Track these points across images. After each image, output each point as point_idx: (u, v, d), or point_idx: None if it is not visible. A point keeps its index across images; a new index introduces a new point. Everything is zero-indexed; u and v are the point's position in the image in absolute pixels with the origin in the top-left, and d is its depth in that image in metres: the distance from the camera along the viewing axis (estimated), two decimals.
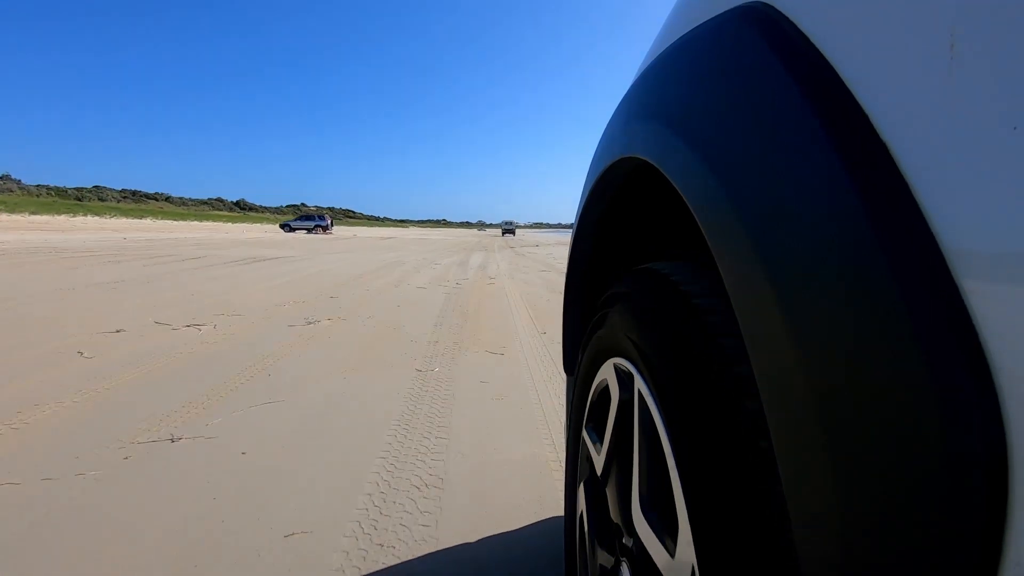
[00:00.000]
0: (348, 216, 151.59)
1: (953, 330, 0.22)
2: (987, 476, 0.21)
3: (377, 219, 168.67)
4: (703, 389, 0.42)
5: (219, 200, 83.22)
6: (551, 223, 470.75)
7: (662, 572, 0.47)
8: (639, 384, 0.54)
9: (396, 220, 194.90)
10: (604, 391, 0.69)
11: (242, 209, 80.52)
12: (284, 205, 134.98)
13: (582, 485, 0.78)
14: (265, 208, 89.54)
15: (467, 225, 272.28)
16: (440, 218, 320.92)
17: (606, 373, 0.68)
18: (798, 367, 0.29)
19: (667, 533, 0.46)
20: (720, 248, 0.37)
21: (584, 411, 0.79)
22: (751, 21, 0.39)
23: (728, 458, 0.38)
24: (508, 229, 52.49)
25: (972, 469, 0.21)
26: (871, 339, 0.25)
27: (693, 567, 0.40)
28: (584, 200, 0.81)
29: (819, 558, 0.28)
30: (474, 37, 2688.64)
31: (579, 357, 0.82)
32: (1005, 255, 0.21)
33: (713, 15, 0.46)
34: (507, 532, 1.39)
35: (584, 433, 0.78)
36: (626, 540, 0.58)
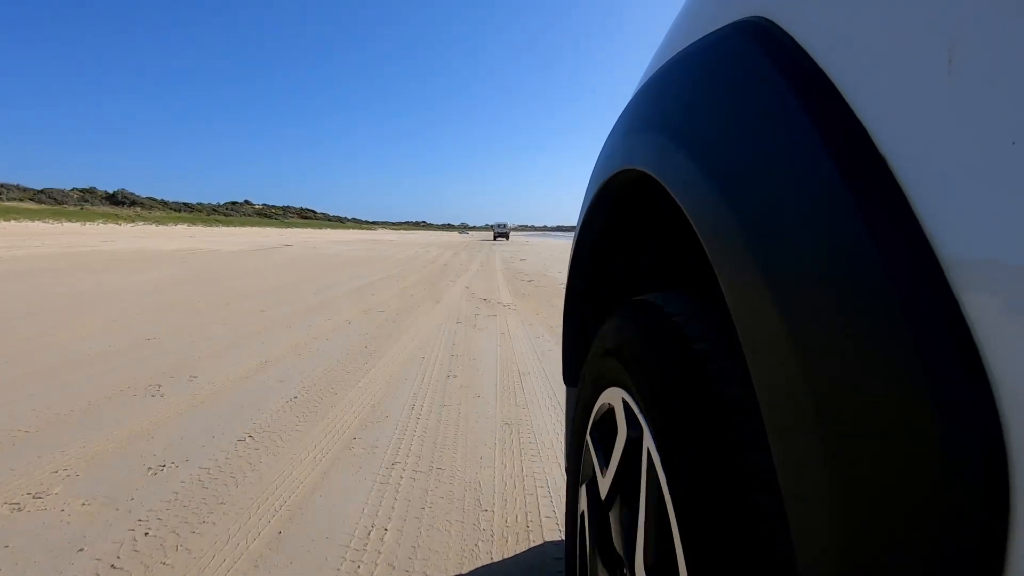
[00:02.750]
0: (303, 216, 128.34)
1: (950, 337, 0.22)
2: (986, 481, 0.21)
3: (341, 220, 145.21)
4: (696, 424, 0.41)
5: (87, 191, 60.26)
6: (536, 226, 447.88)
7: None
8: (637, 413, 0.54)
9: (367, 222, 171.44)
10: (606, 416, 0.68)
11: (116, 203, 57.44)
12: (222, 202, 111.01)
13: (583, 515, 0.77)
14: (165, 204, 66.50)
15: (449, 227, 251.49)
16: (420, 220, 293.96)
17: (606, 400, 0.66)
18: (797, 375, 0.29)
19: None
20: (719, 258, 0.37)
21: (586, 429, 0.78)
22: (750, 35, 0.39)
23: (723, 492, 0.38)
24: (501, 232, 43.56)
25: (971, 474, 0.21)
26: (869, 347, 0.25)
27: None
28: (585, 211, 0.82)
29: (819, 564, 0.28)
30: (456, 29, 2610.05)
31: (580, 380, 0.82)
32: (1001, 263, 0.21)
33: (713, 29, 0.47)
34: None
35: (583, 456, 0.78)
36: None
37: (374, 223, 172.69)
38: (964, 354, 0.22)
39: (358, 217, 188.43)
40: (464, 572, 1.24)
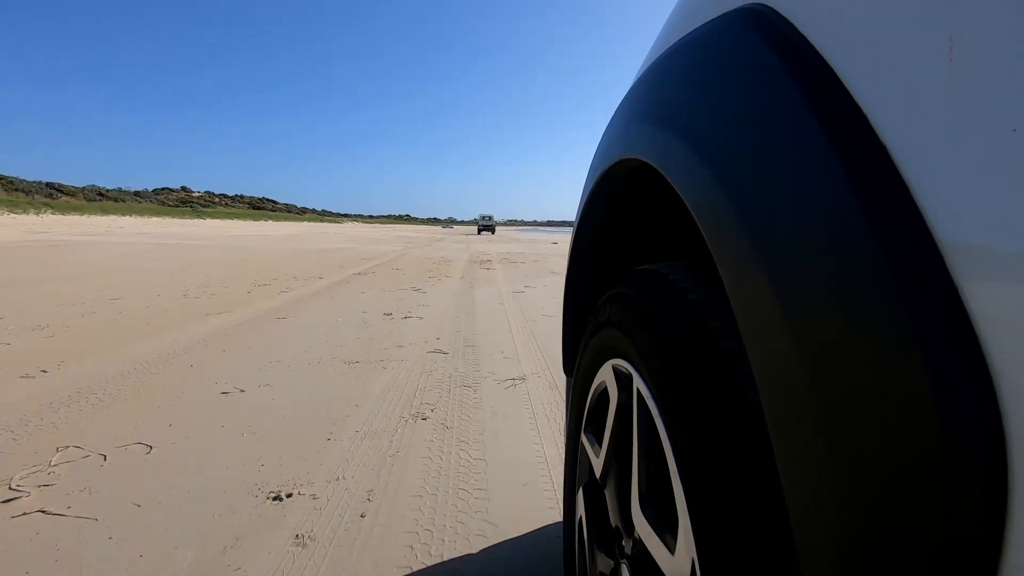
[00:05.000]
0: (255, 207, 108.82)
1: (951, 330, 0.22)
2: (986, 475, 0.21)
3: (300, 212, 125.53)
4: (703, 390, 0.41)
5: None
6: (526, 220, 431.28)
7: (663, 571, 0.46)
8: (638, 385, 0.54)
9: (335, 214, 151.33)
10: (603, 393, 0.70)
11: None
12: (152, 188, 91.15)
13: (581, 490, 0.78)
14: (11, 184, 47.22)
15: (434, 222, 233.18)
16: (403, 214, 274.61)
17: (605, 375, 0.67)
18: (797, 366, 0.29)
19: (667, 530, 0.46)
20: (719, 248, 0.36)
21: (583, 414, 0.79)
22: (751, 23, 0.39)
23: (728, 454, 0.38)
24: (486, 225, 40.82)
25: (971, 469, 0.21)
26: (869, 339, 0.25)
27: (694, 562, 0.40)
28: (584, 200, 0.81)
29: (818, 556, 0.28)
30: (443, 15, 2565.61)
31: (578, 358, 0.81)
32: (1003, 255, 0.21)
33: (713, 16, 0.46)
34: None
35: (583, 437, 0.78)
36: (625, 543, 0.59)
37: (344, 216, 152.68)
38: (964, 344, 0.22)
39: (330, 209, 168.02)
40: None
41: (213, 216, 59.76)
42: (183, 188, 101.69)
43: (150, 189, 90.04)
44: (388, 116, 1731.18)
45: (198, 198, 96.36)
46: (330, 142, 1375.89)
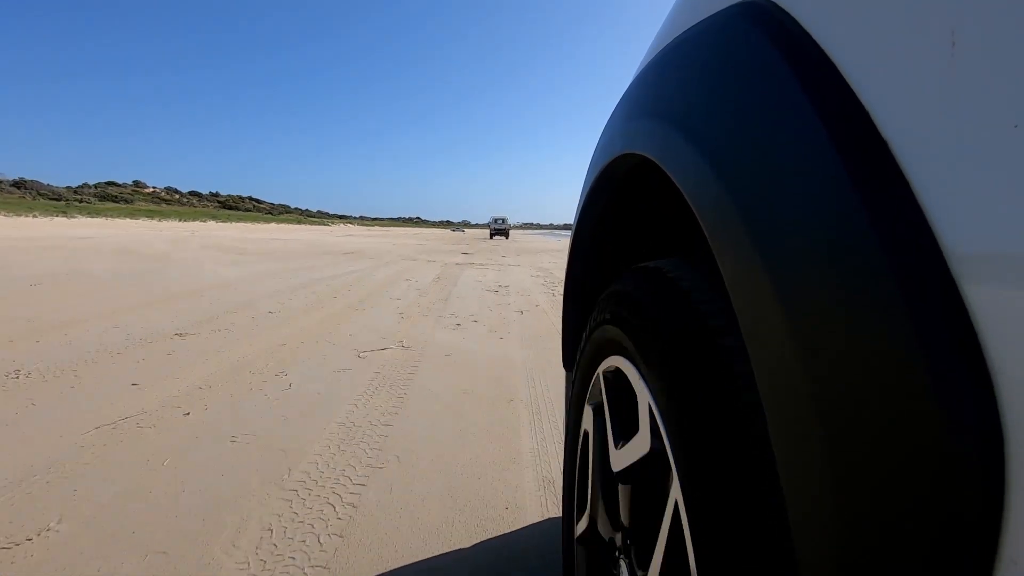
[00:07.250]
0: (229, 207, 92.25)
1: (952, 330, 0.22)
2: (984, 476, 0.21)
3: (280, 211, 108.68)
4: (703, 389, 0.42)
5: None
6: (543, 223, 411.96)
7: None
8: (637, 382, 0.55)
9: (328, 215, 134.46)
10: (611, 377, 0.70)
11: None
12: (96, 183, 74.45)
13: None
14: None
15: (446, 224, 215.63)
16: (413, 216, 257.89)
17: (607, 367, 0.68)
18: (797, 365, 0.29)
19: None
20: (720, 245, 0.36)
21: (581, 413, 0.79)
22: (752, 17, 0.39)
23: (728, 453, 0.38)
24: (499, 229, 39.04)
25: (969, 469, 0.21)
26: (870, 338, 0.25)
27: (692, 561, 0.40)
28: (584, 196, 0.81)
29: (816, 556, 0.28)
30: (453, 12, 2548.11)
31: (578, 354, 0.82)
32: (1005, 254, 0.21)
33: (715, 11, 0.46)
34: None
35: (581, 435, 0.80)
36: (633, 552, 0.59)
37: (339, 217, 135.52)
38: (967, 348, 0.22)
39: (327, 210, 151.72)
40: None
41: (113, 213, 42.13)
42: (135, 183, 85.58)
43: (91, 183, 73.96)
44: (394, 116, 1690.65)
45: (149, 194, 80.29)
46: (332, 143, 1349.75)
